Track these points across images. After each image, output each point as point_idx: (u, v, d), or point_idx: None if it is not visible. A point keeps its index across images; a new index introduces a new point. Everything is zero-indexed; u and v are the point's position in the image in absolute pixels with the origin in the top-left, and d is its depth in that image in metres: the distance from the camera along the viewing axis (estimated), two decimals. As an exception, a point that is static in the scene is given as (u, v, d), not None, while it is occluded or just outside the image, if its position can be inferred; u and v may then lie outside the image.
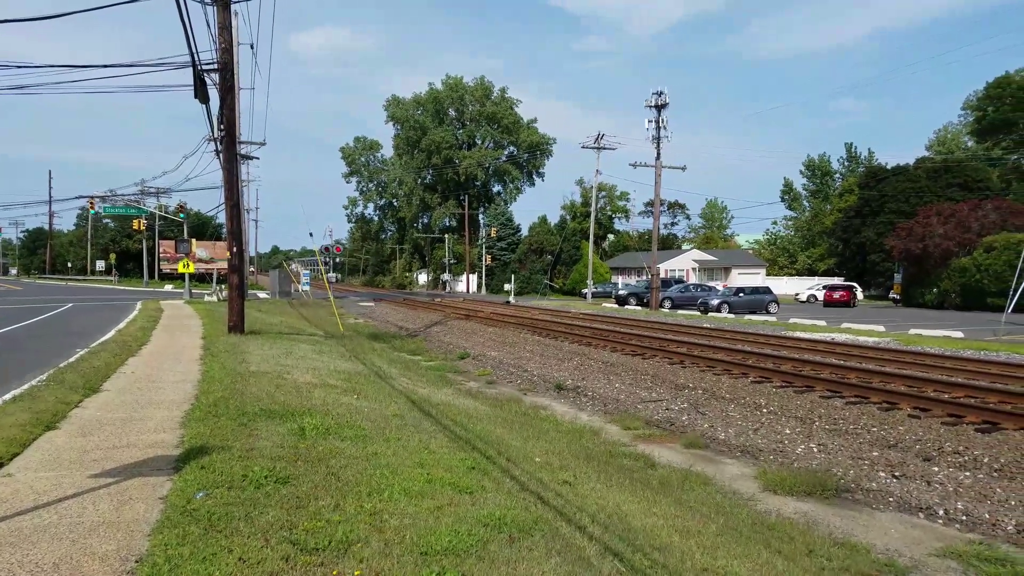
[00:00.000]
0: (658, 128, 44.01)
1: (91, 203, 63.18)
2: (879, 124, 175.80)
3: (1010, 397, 11.79)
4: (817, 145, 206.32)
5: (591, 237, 58.61)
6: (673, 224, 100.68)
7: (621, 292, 52.48)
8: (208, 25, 16.50)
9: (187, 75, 13.70)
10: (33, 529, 4.43)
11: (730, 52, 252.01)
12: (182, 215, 50.66)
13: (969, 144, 75.31)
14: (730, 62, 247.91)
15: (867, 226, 61.47)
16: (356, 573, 3.84)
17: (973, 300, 43.45)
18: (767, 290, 44.28)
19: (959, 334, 24.54)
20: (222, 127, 17.01)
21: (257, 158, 47.38)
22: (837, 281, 62.14)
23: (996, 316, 30.05)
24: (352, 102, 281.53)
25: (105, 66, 15.02)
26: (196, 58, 13.24)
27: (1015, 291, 25.58)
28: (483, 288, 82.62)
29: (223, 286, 37.78)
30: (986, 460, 8.80)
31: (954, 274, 44.89)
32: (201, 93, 14.09)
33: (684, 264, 74.69)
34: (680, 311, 42.31)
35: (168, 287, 63.24)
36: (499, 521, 4.82)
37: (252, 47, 54.73)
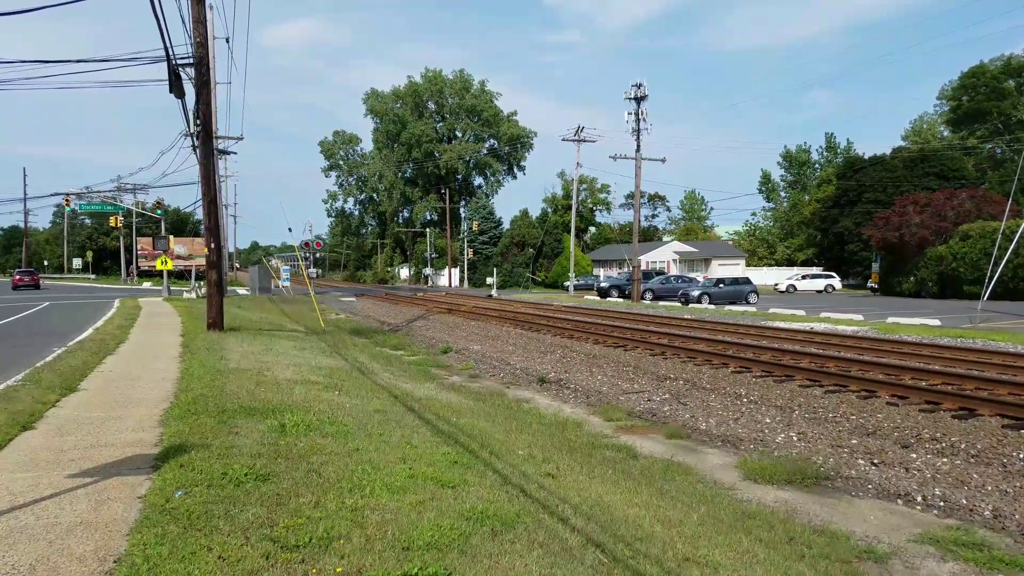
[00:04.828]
0: (637, 120, 44.03)
1: (67, 200, 62.45)
2: (855, 114, 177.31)
3: (986, 384, 11.93)
4: (794, 137, 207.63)
5: (572, 230, 58.69)
6: (654, 216, 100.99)
7: (603, 284, 52.59)
8: (183, 19, 16.31)
9: (162, 70, 13.53)
10: (9, 530, 4.37)
11: (705, 43, 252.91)
12: (160, 211, 50.18)
13: (945, 134, 76.12)
14: (705, 54, 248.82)
15: (845, 216, 62.04)
16: (337, 570, 3.82)
17: (950, 288, 43.96)
18: (747, 280, 44.55)
19: (936, 322, 24.81)
20: (198, 122, 16.83)
21: (235, 153, 47.07)
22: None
23: (972, 303, 30.41)
24: (329, 96, 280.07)
25: (77, 61, 14.84)
26: (170, 52, 13.09)
27: (991, 279, 25.90)
28: (465, 282, 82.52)
29: (202, 283, 37.47)
30: (963, 446, 8.90)
31: (931, 262, 45.38)
32: (176, 88, 13.96)
33: (665, 256, 74.99)
34: (661, 303, 42.48)
35: (146, 284, 62.64)
36: (482, 515, 4.82)
37: (228, 41, 54.14)
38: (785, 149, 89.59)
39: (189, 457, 5.85)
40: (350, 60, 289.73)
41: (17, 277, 52.81)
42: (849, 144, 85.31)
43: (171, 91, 13.91)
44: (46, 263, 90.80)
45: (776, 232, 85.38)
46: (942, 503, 7.39)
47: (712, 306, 38.45)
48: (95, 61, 14.60)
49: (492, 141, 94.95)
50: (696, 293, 41.40)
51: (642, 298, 44.26)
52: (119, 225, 62.27)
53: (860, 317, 27.21)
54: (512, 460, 7.18)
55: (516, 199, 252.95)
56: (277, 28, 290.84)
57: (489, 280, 66.24)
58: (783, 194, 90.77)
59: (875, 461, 8.69)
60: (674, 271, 67.81)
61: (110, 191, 67.50)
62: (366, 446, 6.56)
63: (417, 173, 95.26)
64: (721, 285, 42.61)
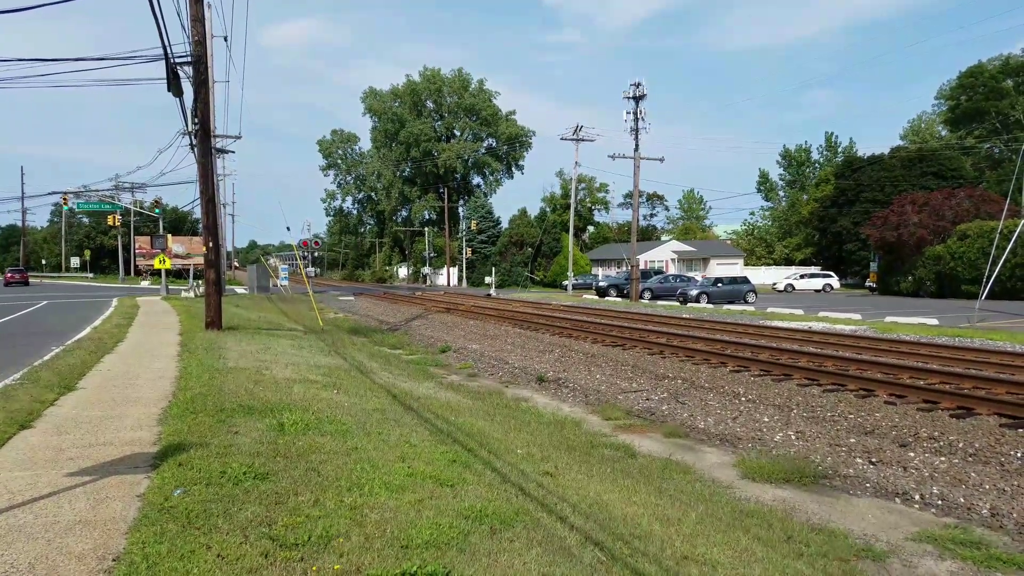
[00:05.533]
0: (636, 120, 44.04)
1: (65, 199, 62.32)
2: (854, 114, 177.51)
3: (984, 383, 11.95)
4: (793, 136, 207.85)
5: (571, 229, 58.68)
6: (652, 215, 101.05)
7: (601, 284, 52.60)
8: (180, 19, 16.27)
9: (160, 68, 13.51)
10: (8, 529, 4.37)
11: (705, 43, 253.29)
12: (158, 210, 50.12)
13: (943, 133, 76.14)
14: (705, 54, 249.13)
15: (843, 215, 62.10)
16: (336, 568, 3.82)
17: (948, 287, 44.00)
18: (745, 280, 44.56)
19: (934, 321, 24.84)
20: (196, 121, 16.81)
21: (233, 152, 46.99)
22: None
23: (970, 303, 30.46)
24: (329, 96, 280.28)
25: (75, 59, 14.80)
26: (169, 51, 13.07)
27: (988, 278, 25.93)
28: (464, 281, 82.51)
29: (200, 282, 37.43)
30: (961, 445, 8.92)
31: (929, 262, 45.42)
32: (174, 87, 13.93)
33: (663, 255, 75.01)
34: (660, 302, 42.49)
35: (144, 283, 62.51)
36: (480, 513, 4.82)
37: (226, 40, 53.85)
38: (784, 148, 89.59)
39: (188, 456, 5.85)
40: (350, 60, 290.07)
41: (8, 275, 58.82)
42: (851, 143, 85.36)
43: (169, 89, 13.89)
44: (44, 262, 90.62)
45: (774, 231, 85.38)
46: (940, 502, 7.40)
47: (710, 305, 38.48)
48: (93, 59, 14.58)
49: (490, 140, 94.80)
50: (694, 292, 41.42)
51: (640, 297, 44.27)
52: (117, 224, 62.23)
53: (858, 316, 27.24)
54: (511, 459, 7.19)
55: (515, 198, 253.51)
56: (277, 28, 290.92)
57: (488, 279, 66.18)
58: (782, 193, 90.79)
59: (873, 460, 8.70)
60: (672, 270, 67.84)
61: (108, 190, 67.54)
62: (365, 445, 6.56)
63: (415, 172, 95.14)
64: (719, 284, 42.64)
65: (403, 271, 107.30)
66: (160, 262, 35.35)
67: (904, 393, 11.42)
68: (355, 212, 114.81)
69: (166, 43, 12.78)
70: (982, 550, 6.07)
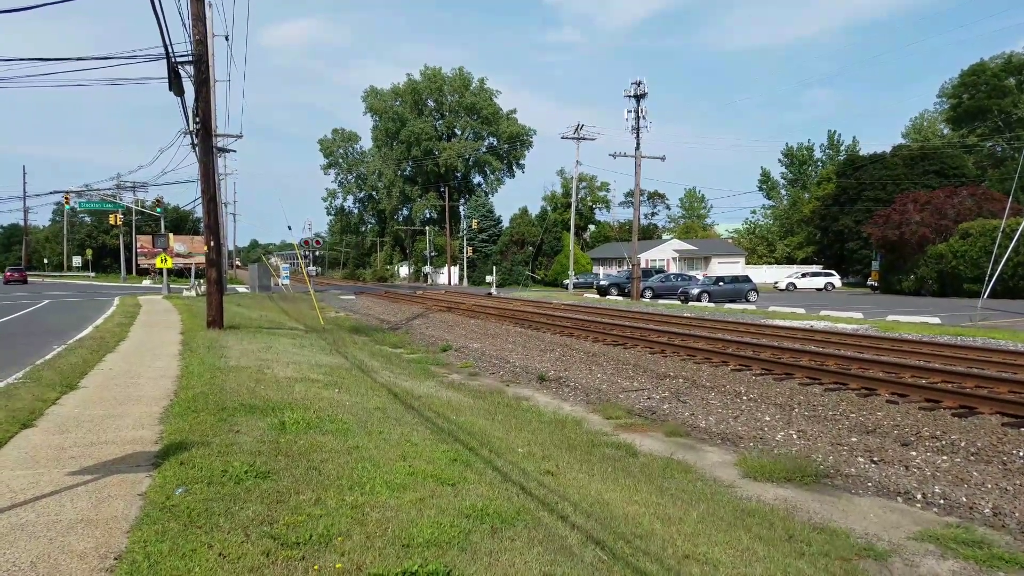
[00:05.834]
0: (637, 118, 43.97)
1: (66, 198, 62.55)
2: (855, 113, 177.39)
3: (986, 382, 11.93)
4: (794, 136, 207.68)
5: (572, 228, 58.65)
6: (653, 214, 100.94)
7: (602, 283, 52.56)
8: (180, 16, 16.26)
9: (161, 67, 13.52)
10: (10, 528, 4.37)
11: (705, 43, 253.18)
12: (159, 210, 50.17)
13: (945, 131, 76.05)
14: (705, 54, 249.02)
15: (845, 214, 62.02)
16: (337, 566, 3.82)
17: (950, 286, 43.94)
18: (747, 279, 44.49)
19: (936, 320, 24.81)
20: (197, 120, 16.80)
21: (234, 151, 46.90)
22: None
23: (972, 302, 30.42)
24: (329, 96, 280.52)
25: (77, 59, 14.81)
26: (170, 50, 13.08)
27: (991, 277, 25.90)
28: (465, 280, 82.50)
29: (201, 281, 37.44)
30: (963, 444, 8.90)
31: (931, 260, 45.36)
32: (176, 86, 13.95)
33: (664, 254, 74.97)
34: (661, 301, 42.44)
35: (146, 282, 62.59)
36: (481, 512, 4.82)
37: (227, 39, 53.86)
38: (787, 146, 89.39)
39: (189, 454, 5.85)
40: (350, 60, 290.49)
41: (8, 274, 61.27)
42: (854, 142, 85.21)
43: (170, 88, 13.90)
44: (46, 261, 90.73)
45: (776, 230, 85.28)
46: (942, 501, 7.40)
47: (712, 304, 38.44)
48: (95, 59, 14.58)
49: (491, 139, 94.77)
50: (696, 291, 41.37)
51: (642, 296, 44.24)
52: (119, 223, 62.37)
53: (860, 315, 27.20)
54: (512, 458, 7.19)
55: (515, 197, 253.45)
56: (277, 28, 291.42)
57: (489, 278, 66.21)
58: (783, 192, 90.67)
59: (875, 459, 8.69)
60: (674, 269, 67.78)
61: (109, 189, 67.79)
62: (366, 444, 6.56)
63: (416, 171, 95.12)
64: (721, 283, 42.58)
65: (404, 270, 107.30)
66: (162, 261, 35.36)
67: (906, 392, 11.40)
68: (356, 211, 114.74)
69: (167, 42, 12.79)
70: (984, 549, 6.07)
